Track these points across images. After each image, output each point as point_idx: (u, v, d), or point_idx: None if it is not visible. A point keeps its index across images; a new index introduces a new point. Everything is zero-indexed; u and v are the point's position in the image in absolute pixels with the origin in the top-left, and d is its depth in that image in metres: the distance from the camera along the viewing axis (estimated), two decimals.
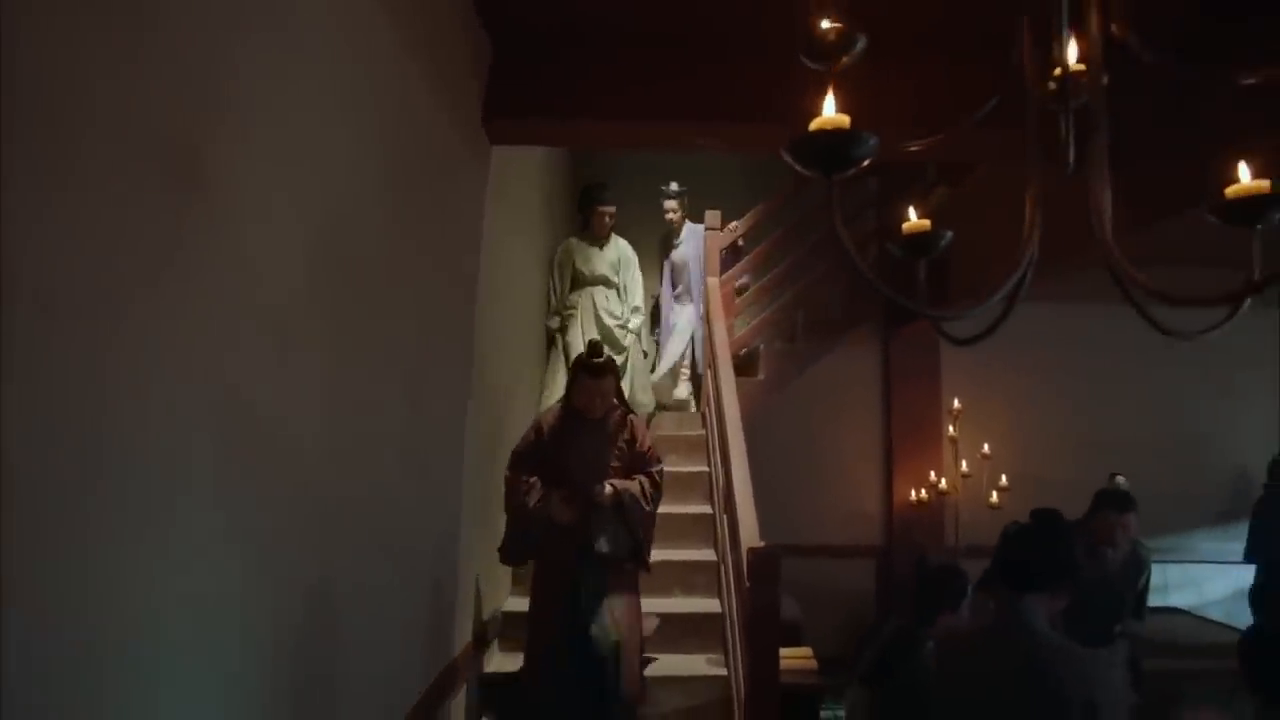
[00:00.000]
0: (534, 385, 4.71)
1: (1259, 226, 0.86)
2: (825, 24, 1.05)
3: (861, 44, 1.08)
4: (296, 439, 1.29)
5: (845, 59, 1.07)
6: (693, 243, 4.85)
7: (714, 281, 4.38)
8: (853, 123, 0.86)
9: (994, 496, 4.76)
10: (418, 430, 1.97)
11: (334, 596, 1.47)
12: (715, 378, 3.70)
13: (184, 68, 0.94)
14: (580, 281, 4.34)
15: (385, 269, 1.66)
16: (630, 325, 4.37)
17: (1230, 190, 0.87)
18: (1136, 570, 3.34)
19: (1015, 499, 4.74)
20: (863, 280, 1.09)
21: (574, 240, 4.44)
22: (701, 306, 4.68)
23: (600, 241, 4.38)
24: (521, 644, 3.07)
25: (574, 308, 4.29)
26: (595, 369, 2.48)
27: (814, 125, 0.81)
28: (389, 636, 1.79)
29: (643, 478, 2.60)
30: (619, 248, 4.41)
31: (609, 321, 4.29)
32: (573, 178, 5.43)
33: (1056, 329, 5.25)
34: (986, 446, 5.14)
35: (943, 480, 5.13)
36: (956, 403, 5.25)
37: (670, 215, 4.88)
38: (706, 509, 3.68)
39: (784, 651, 3.32)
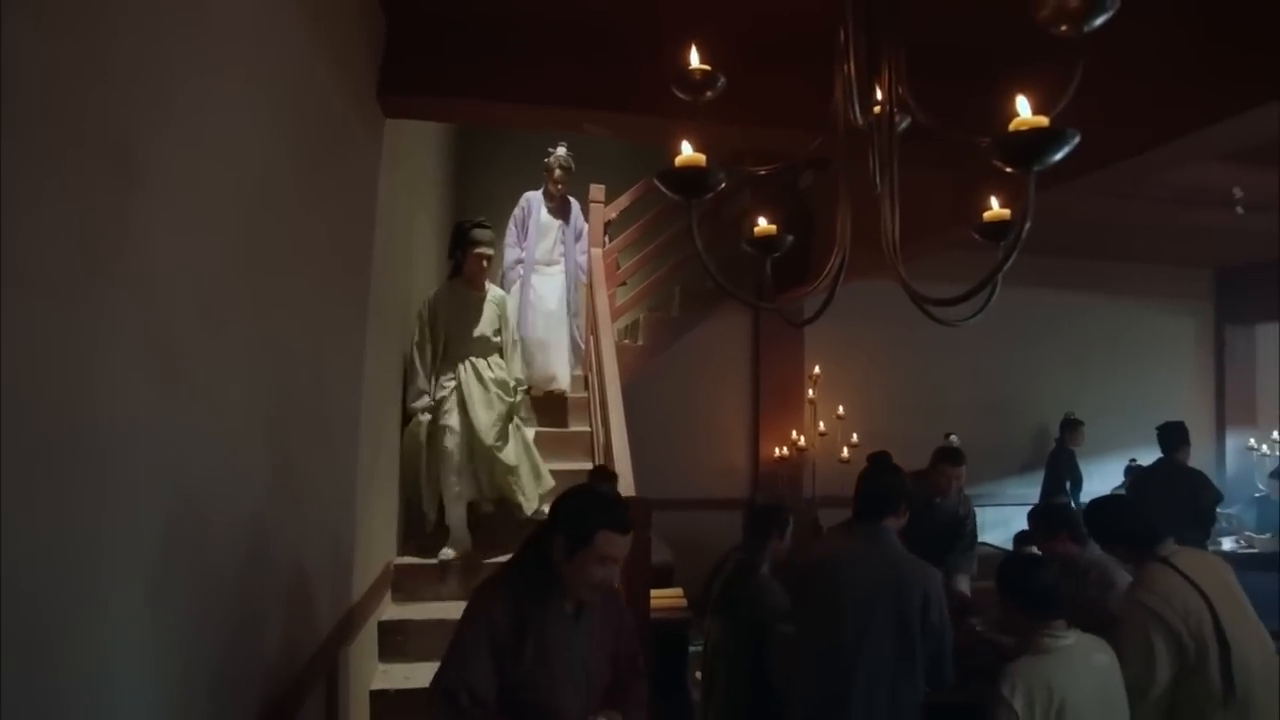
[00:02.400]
0: None
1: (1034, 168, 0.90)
2: (693, 64, 1.30)
3: (721, 83, 1.34)
4: (224, 404, 1.41)
5: (709, 94, 1.33)
6: (570, 213, 4.65)
7: (597, 252, 4.60)
8: (747, 123, 1.06)
9: (845, 452, 5.37)
10: (320, 396, 2.09)
11: (255, 544, 1.61)
12: (597, 344, 3.95)
13: (114, 63, 1.03)
14: (456, 347, 3.47)
15: (291, 240, 1.76)
16: (519, 398, 3.63)
17: (1013, 124, 0.90)
18: (965, 514, 3.94)
19: (864, 455, 5.35)
20: (728, 259, 1.36)
21: (442, 292, 3.55)
22: (583, 276, 4.59)
23: (478, 294, 3.56)
24: (411, 595, 3.28)
25: (451, 384, 3.43)
26: (622, 521, 1.55)
27: (678, 162, 1.05)
28: (299, 581, 1.93)
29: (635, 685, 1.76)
30: (498, 298, 3.66)
31: (500, 401, 3.44)
32: (455, 156, 5.47)
33: (901, 305, 5.82)
34: (841, 408, 5.76)
35: (802, 438, 5.70)
36: (816, 369, 5.82)
37: (559, 185, 4.59)
38: (588, 465, 3.96)
39: (657, 592, 3.70)
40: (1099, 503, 2.66)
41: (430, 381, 3.43)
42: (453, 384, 3.42)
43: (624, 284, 5.04)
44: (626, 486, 2.93)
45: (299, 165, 1.80)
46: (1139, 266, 6.88)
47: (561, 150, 4.56)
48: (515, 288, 4.45)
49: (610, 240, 4.90)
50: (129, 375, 1.08)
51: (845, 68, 1.14)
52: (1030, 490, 6.20)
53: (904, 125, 1.27)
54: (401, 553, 3.47)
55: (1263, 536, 5.12)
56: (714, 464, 5.81)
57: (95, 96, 0.96)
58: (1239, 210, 4.06)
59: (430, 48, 2.64)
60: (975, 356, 6.43)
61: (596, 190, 4.74)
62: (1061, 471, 5.88)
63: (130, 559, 1.11)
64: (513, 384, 3.55)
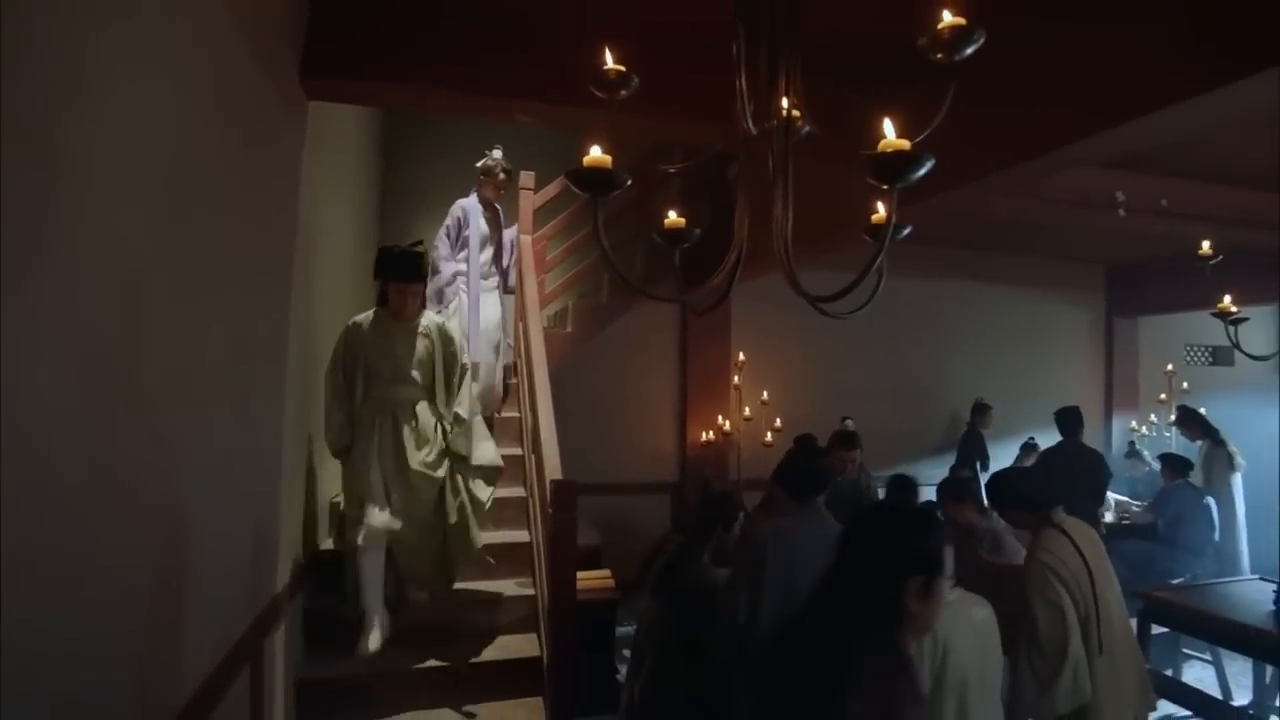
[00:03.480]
0: None
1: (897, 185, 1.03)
2: (609, 64, 1.38)
3: (635, 82, 1.42)
4: (143, 392, 1.41)
5: (623, 93, 1.41)
6: (498, 224, 4.40)
7: (526, 239, 4.63)
8: (667, 117, 1.09)
9: (768, 437, 5.58)
10: (243, 384, 2.08)
11: (176, 533, 1.61)
12: (525, 331, 3.99)
13: (35, 54, 1.04)
14: (380, 389, 2.98)
15: (211, 225, 1.75)
16: (455, 444, 3.10)
17: (880, 145, 1.03)
18: (866, 484, 4.19)
19: (787, 438, 5.58)
20: (658, 246, 1.44)
21: (364, 323, 3.02)
22: (512, 299, 4.41)
23: (406, 326, 3.05)
24: (337, 585, 3.27)
25: (371, 422, 2.95)
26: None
27: (585, 162, 1.12)
28: (221, 570, 1.93)
29: None
30: (431, 327, 3.11)
31: (418, 458, 2.94)
32: (381, 141, 5.38)
33: (816, 293, 6.17)
34: (765, 394, 5.97)
35: (727, 423, 5.89)
36: (741, 356, 6.02)
37: (502, 190, 4.35)
38: (517, 450, 4.01)
39: (584, 574, 3.80)
40: (1002, 473, 2.94)
41: (346, 430, 2.99)
42: (373, 432, 2.93)
43: (550, 271, 5.09)
44: (553, 470, 3.00)
45: (218, 147, 1.78)
46: (1041, 261, 7.37)
47: (498, 153, 4.29)
48: (455, 305, 4.15)
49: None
50: (45, 364, 1.08)
51: (739, 81, 1.24)
52: (943, 470, 6.55)
53: (805, 131, 1.39)
54: (333, 542, 3.47)
55: (1137, 509, 5.60)
56: (642, 448, 5.94)
57: (8, 80, 0.97)
58: (1121, 213, 4.42)
59: (355, 29, 2.61)
60: (892, 344, 6.77)
61: (526, 177, 4.76)
62: (972, 452, 6.28)
63: (47, 549, 1.11)
64: (458, 446, 3.10)
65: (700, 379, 6.05)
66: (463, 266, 4.19)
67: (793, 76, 1.28)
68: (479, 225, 4.26)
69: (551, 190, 4.86)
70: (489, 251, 4.33)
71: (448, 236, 4.24)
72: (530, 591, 3.42)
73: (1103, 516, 5.27)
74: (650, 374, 6.06)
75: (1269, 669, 4.02)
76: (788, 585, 2.41)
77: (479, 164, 4.29)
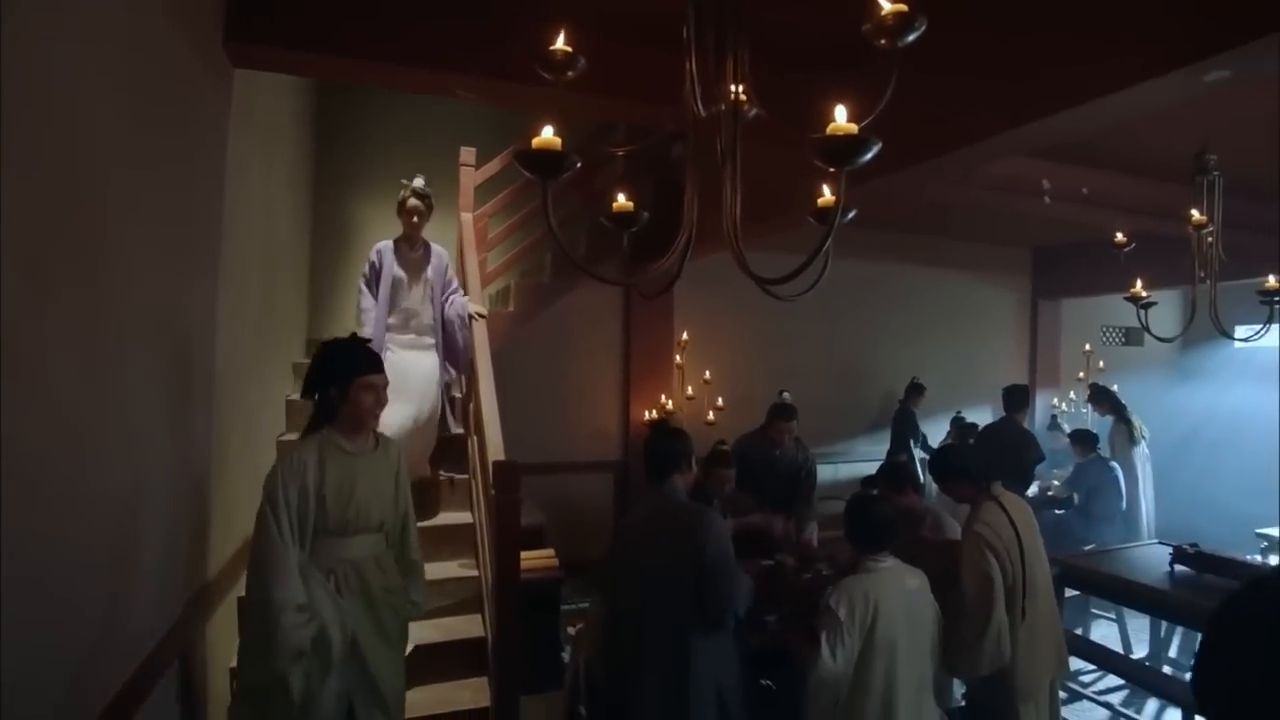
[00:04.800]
0: (296, 325, 4.59)
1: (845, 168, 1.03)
2: (557, 45, 1.36)
3: (581, 63, 1.40)
4: (53, 376, 1.33)
5: (570, 74, 1.39)
6: (433, 264, 3.69)
7: (467, 217, 4.53)
8: (614, 95, 1.06)
9: (710, 415, 5.66)
10: (167, 366, 1.99)
11: (95, 523, 1.54)
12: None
13: None
14: (325, 545, 2.16)
15: (126, 198, 1.66)
16: (413, 595, 2.41)
17: (829, 128, 1.03)
18: (804, 461, 4.30)
19: (729, 417, 5.70)
20: (601, 225, 1.43)
21: (307, 457, 2.16)
22: (464, 352, 3.66)
23: (371, 453, 2.30)
24: None
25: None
26: None
27: (534, 144, 1.10)
28: (146, 560, 1.85)
29: None
30: (391, 453, 2.37)
31: (384, 625, 2.23)
32: (316, 115, 5.17)
33: (763, 275, 6.26)
34: (708, 373, 6.05)
35: (670, 402, 5.94)
36: (685, 335, 6.07)
37: (415, 217, 3.62)
38: (460, 432, 3.96)
39: (529, 553, 3.79)
40: (946, 450, 3.10)
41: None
42: (322, 589, 2.11)
43: (492, 250, 5.00)
44: (496, 450, 2.98)
45: (134, 115, 1.68)
46: (972, 245, 7.65)
47: (419, 181, 3.62)
48: None
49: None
50: None
51: (688, 63, 1.23)
52: (878, 447, 6.82)
53: (752, 114, 1.40)
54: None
55: (1057, 484, 5.94)
56: (585, 428, 5.95)
57: None
58: (1046, 200, 4.62)
59: None
60: (830, 325, 6.94)
61: (466, 153, 4.64)
62: (905, 430, 6.51)
63: None
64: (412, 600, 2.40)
65: (643, 358, 6.08)
66: (392, 320, 3.58)
67: (741, 60, 1.29)
68: (392, 268, 3.58)
69: (493, 167, 4.76)
70: (413, 299, 3.62)
71: (365, 286, 3.62)
72: (474, 573, 3.40)
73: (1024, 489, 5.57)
74: (593, 353, 6.05)
75: (1164, 624, 4.37)
76: (626, 567, 2.51)
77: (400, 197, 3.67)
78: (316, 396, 2.27)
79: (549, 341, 5.69)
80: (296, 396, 4.04)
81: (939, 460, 2.98)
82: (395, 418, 3.23)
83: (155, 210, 1.85)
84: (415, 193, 3.61)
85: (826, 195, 1.48)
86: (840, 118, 1.02)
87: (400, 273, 3.61)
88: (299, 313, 4.82)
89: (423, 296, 3.65)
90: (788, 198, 3.02)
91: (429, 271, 3.68)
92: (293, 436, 3.77)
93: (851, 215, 1.36)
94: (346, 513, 2.18)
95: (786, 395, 5.33)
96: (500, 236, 4.90)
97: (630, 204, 1.53)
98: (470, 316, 3.76)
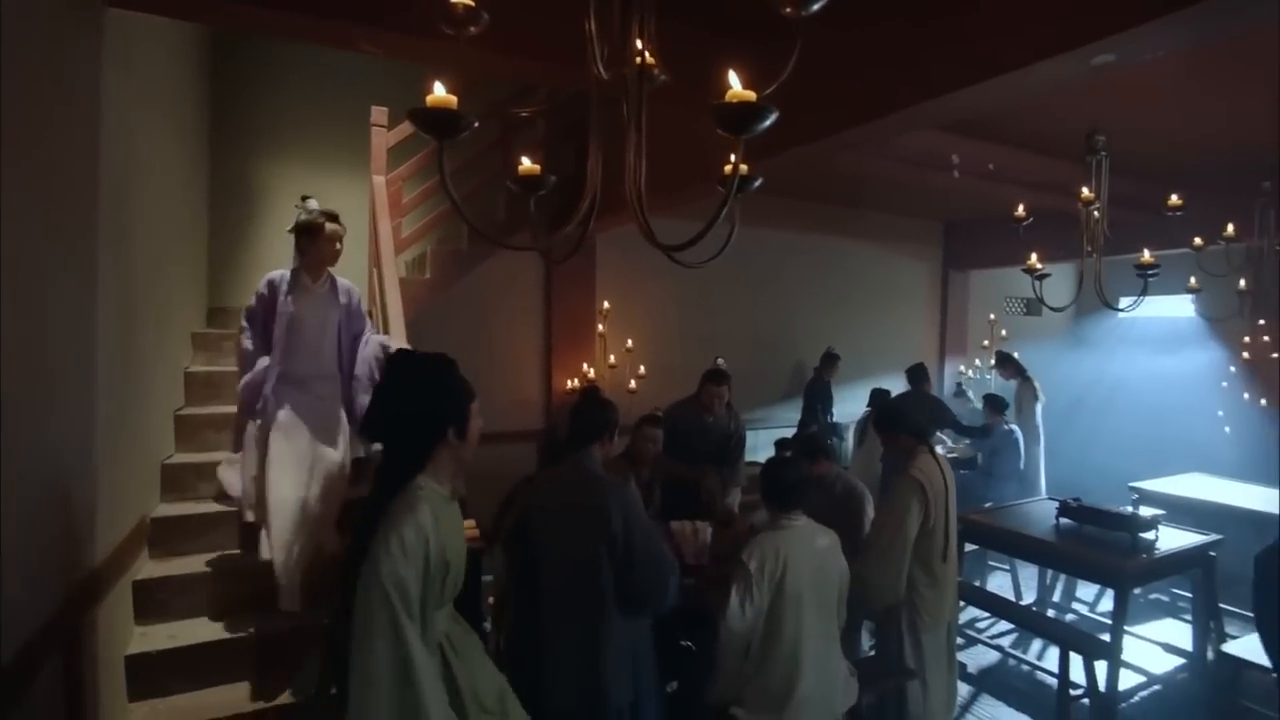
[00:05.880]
0: (195, 293, 4.32)
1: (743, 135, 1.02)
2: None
3: (485, 19, 1.34)
4: None
5: (473, 29, 1.33)
6: (342, 303, 3.01)
7: (380, 179, 4.34)
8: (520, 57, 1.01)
9: (633, 384, 5.69)
10: (36, 339, 1.83)
11: None
12: (380, 277, 3.78)
13: None
14: (436, 605, 1.70)
15: None
16: None
17: (728, 95, 1.01)
18: (735, 429, 4.37)
19: (650, 385, 5.74)
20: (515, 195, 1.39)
21: (431, 505, 1.63)
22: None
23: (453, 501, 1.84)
24: (173, 550, 3.04)
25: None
26: None
27: (428, 102, 1.05)
28: (17, 547, 1.72)
29: None
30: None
31: None
32: (211, 68, 4.82)
33: (701, 245, 6.30)
34: (630, 342, 6.05)
35: (592, 370, 5.93)
36: (606, 304, 6.05)
37: (338, 244, 3.01)
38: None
39: None
40: (894, 402, 3.28)
41: None
42: None
43: (407, 215, 4.82)
44: None
45: None
46: (886, 217, 7.88)
47: (314, 203, 2.97)
48: (250, 433, 2.90)
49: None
50: None
51: (588, 23, 1.20)
52: (793, 414, 7.01)
53: (660, 78, 1.37)
54: (164, 498, 3.22)
55: (961, 445, 6.30)
56: (507, 397, 5.87)
57: None
58: (955, 174, 4.79)
59: None
60: (750, 294, 7.05)
61: (378, 113, 4.43)
62: (816, 400, 6.72)
63: None
64: None
65: (565, 326, 6.02)
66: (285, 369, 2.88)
67: (647, 21, 1.26)
68: (288, 306, 2.90)
69: (407, 128, 4.55)
70: (314, 344, 2.95)
71: (249, 323, 2.95)
72: None
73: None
74: (514, 321, 5.95)
75: (1049, 573, 4.72)
76: (538, 535, 2.50)
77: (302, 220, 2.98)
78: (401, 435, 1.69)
79: (468, 309, 5.56)
80: (197, 369, 3.85)
81: (886, 417, 3.13)
82: (287, 490, 2.73)
83: (29, 162, 1.68)
84: (328, 215, 2.95)
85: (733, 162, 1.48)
86: (736, 84, 1.01)
87: (299, 311, 2.92)
88: (198, 280, 4.54)
89: (326, 342, 2.98)
90: (701, 165, 3.03)
91: (335, 312, 3.01)
92: (195, 411, 3.58)
93: (757, 183, 1.37)
94: (455, 575, 1.66)
95: (721, 361, 5.41)
96: (415, 201, 4.72)
97: (536, 167, 1.48)
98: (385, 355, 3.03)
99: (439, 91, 1.06)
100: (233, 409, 3.11)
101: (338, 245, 3.00)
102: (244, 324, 2.96)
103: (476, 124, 1.10)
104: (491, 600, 3.56)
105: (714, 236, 1.27)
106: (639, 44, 1.22)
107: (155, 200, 3.17)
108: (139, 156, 2.84)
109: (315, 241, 2.92)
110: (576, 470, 2.49)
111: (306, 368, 2.92)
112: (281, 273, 2.97)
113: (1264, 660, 3.07)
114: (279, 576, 2.74)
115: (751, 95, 0.99)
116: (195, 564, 3.01)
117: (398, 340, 3.20)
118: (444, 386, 1.73)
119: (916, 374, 5.97)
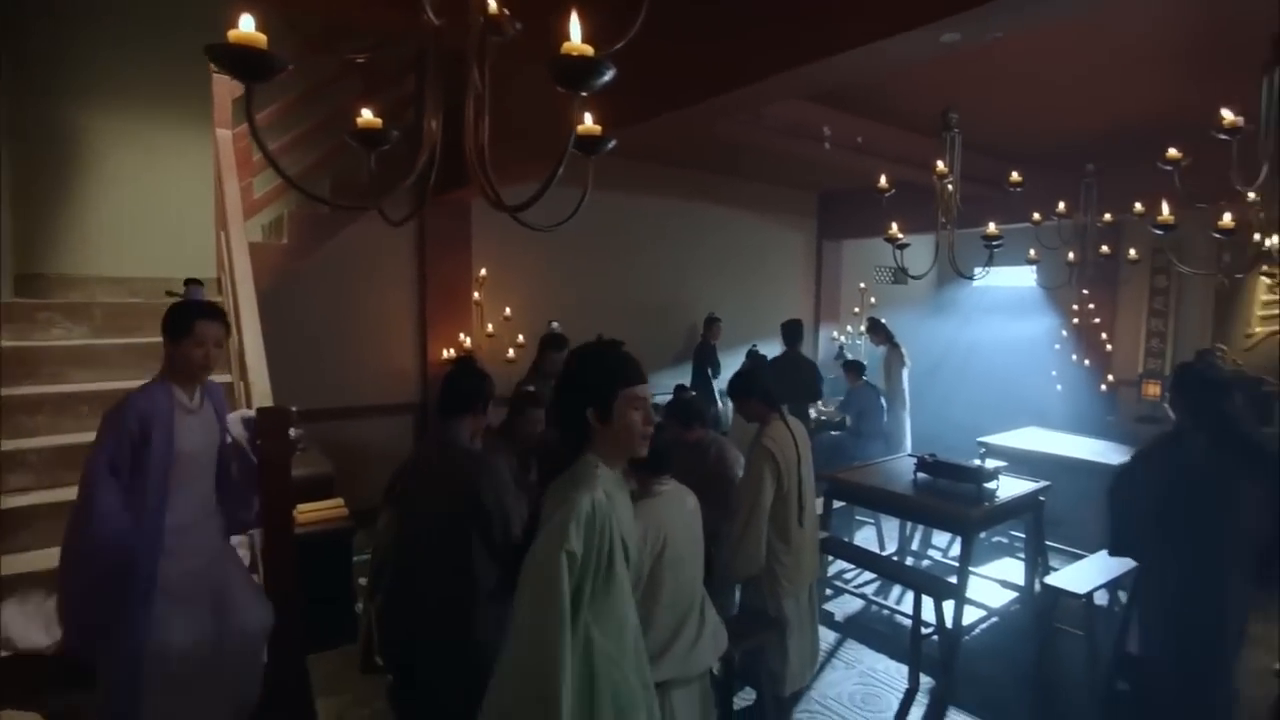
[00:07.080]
0: None
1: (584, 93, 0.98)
2: None
3: None
4: None
5: None
6: (219, 415, 2.37)
7: (226, 134, 3.95)
8: None
9: (511, 353, 5.57)
10: None
11: None
12: (227, 240, 3.46)
13: None
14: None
15: None
16: None
17: (565, 48, 0.96)
18: None
19: (529, 354, 5.63)
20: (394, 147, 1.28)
21: (606, 486, 1.66)
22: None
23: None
24: None
25: None
26: None
27: (231, 37, 0.92)
28: None
29: None
30: None
31: None
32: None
33: (564, 209, 6.20)
34: (508, 310, 5.91)
35: (469, 340, 5.76)
36: (483, 271, 5.86)
37: (218, 347, 2.28)
38: (226, 377, 3.54)
39: (311, 505, 3.56)
40: (745, 372, 3.37)
41: None
42: None
43: (259, 175, 4.44)
44: (263, 396, 2.69)
45: None
46: (765, 187, 8.07)
47: (199, 292, 2.50)
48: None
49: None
50: None
51: None
52: (684, 378, 7.13)
53: (513, 29, 1.29)
54: None
55: (830, 409, 6.63)
56: (380, 368, 5.60)
57: None
58: (826, 146, 4.94)
59: None
60: (632, 260, 7.05)
61: None
62: (704, 362, 6.86)
63: None
64: None
65: (440, 294, 5.78)
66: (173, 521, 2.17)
67: None
68: (170, 442, 2.16)
69: None
70: (204, 483, 2.31)
71: (114, 473, 2.07)
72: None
73: (808, 414, 6.16)
74: (386, 289, 5.65)
75: (908, 524, 5.09)
76: (406, 504, 2.46)
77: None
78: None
79: (335, 276, 5.22)
80: (6, 344, 3.39)
81: (738, 383, 3.20)
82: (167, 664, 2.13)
83: None
84: (206, 310, 2.27)
85: (588, 123, 1.43)
86: (577, 37, 0.96)
87: (186, 445, 2.20)
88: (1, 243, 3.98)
89: (210, 479, 2.33)
90: (564, 128, 2.95)
91: (217, 436, 2.36)
92: (8, 392, 3.15)
93: (610, 145, 1.33)
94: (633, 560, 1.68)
95: (555, 325, 5.36)
96: (264, 163, 4.34)
97: (377, 120, 1.37)
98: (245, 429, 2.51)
99: (246, 26, 0.93)
100: (54, 389, 2.75)
101: (218, 348, 2.26)
102: (104, 475, 2.05)
103: (291, 67, 0.98)
104: (363, 580, 3.43)
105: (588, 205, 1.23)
106: None
107: None
108: None
109: (181, 343, 2.19)
110: (443, 441, 2.40)
111: (199, 516, 2.25)
112: (150, 396, 2.16)
113: (1076, 589, 3.48)
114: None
115: (589, 49, 0.94)
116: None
117: (249, 317, 2.95)
118: (582, 368, 1.74)
119: (791, 333, 6.06)
